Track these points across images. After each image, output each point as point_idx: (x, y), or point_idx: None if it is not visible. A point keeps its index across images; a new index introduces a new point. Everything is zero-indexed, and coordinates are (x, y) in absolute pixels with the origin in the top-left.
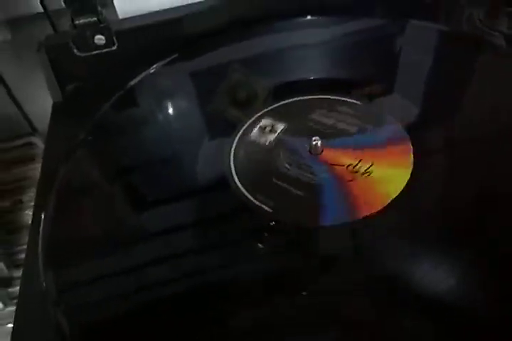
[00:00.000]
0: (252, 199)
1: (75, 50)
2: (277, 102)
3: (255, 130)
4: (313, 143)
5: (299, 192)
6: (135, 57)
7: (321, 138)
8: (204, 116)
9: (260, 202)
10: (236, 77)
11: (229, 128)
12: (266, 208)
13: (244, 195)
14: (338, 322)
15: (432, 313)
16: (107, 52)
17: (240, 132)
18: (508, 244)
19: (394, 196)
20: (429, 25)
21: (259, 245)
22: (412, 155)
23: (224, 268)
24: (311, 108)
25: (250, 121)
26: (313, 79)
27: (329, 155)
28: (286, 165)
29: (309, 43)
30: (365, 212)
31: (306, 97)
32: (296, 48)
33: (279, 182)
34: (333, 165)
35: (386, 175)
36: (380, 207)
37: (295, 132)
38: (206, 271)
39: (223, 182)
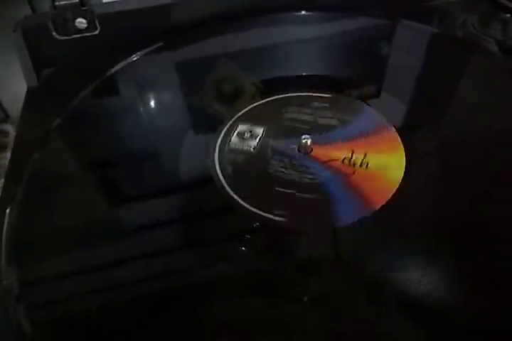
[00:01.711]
0: (257, 211)
1: (54, 33)
2: (248, 106)
3: (233, 137)
4: (303, 141)
5: (306, 195)
6: (117, 44)
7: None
8: (185, 109)
9: (268, 212)
10: (221, 71)
11: (210, 122)
12: (279, 219)
13: (247, 209)
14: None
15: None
16: (87, 36)
17: (219, 141)
18: None
19: (399, 181)
20: (420, 27)
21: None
22: (399, 139)
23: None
24: (284, 107)
25: (226, 127)
26: (280, 78)
27: (320, 152)
28: (282, 170)
29: (290, 40)
30: (380, 202)
31: (274, 97)
32: (274, 45)
33: (280, 189)
34: (328, 161)
35: (383, 163)
36: (391, 195)
37: (277, 134)
38: (176, 270)
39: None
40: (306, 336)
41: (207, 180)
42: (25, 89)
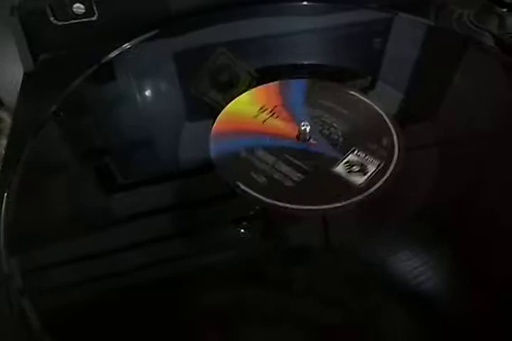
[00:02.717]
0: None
1: (52, 18)
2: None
3: None
4: (302, 128)
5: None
6: (115, 30)
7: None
8: (182, 97)
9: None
10: (218, 60)
11: (208, 111)
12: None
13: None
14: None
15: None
16: (85, 22)
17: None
18: None
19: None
20: (416, 20)
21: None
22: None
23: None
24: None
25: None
26: (283, 65)
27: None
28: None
29: (288, 30)
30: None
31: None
32: (273, 34)
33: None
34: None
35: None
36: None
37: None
38: (178, 257)
39: (205, 171)
40: (294, 323)
41: (204, 166)
42: (21, 75)
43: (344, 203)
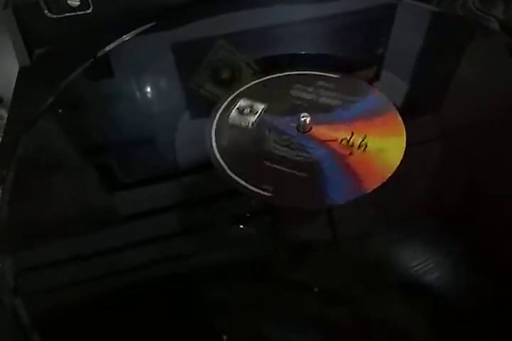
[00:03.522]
0: (245, 184)
1: (46, 11)
2: (252, 81)
3: (233, 112)
4: (302, 119)
5: (297, 173)
6: (110, 22)
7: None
8: (181, 91)
9: (256, 187)
10: (218, 52)
11: (207, 105)
12: (265, 193)
13: (235, 180)
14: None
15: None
16: (80, 15)
17: (218, 115)
18: None
19: (396, 165)
20: (421, 6)
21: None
22: (402, 122)
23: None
24: (289, 85)
25: (226, 102)
26: (288, 55)
27: (319, 131)
28: (276, 146)
29: (290, 19)
30: (373, 185)
31: (281, 74)
32: (275, 24)
33: (272, 165)
34: (326, 141)
35: (382, 146)
36: (386, 178)
37: (277, 111)
38: (175, 256)
39: (206, 167)
40: (296, 317)
41: (204, 158)
42: (17, 69)
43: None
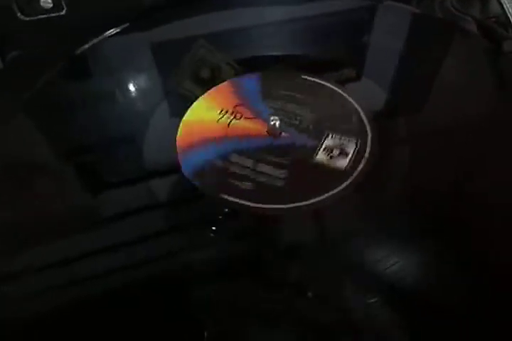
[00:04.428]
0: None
1: (19, 14)
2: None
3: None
4: (271, 123)
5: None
6: (84, 24)
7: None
8: (159, 91)
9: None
10: (197, 52)
11: (181, 104)
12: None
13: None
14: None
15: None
16: (54, 17)
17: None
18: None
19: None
20: (401, 7)
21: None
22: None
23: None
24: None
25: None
26: (267, 56)
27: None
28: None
29: (277, 20)
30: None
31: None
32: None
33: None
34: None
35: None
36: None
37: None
38: (150, 260)
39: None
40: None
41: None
42: None
43: (338, 189)
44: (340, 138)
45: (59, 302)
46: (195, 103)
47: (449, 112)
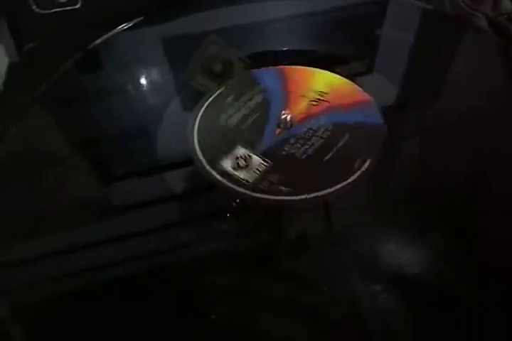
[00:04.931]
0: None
1: (34, 7)
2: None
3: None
4: (282, 117)
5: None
6: (99, 18)
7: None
8: (170, 86)
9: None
10: (209, 48)
11: (194, 98)
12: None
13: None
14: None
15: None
16: (69, 10)
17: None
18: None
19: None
20: (412, 2)
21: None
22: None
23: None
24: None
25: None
26: (280, 51)
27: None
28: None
29: (288, 15)
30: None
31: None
32: (275, 19)
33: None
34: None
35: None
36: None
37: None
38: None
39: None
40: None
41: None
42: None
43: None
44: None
45: (75, 291)
46: None
47: (460, 107)
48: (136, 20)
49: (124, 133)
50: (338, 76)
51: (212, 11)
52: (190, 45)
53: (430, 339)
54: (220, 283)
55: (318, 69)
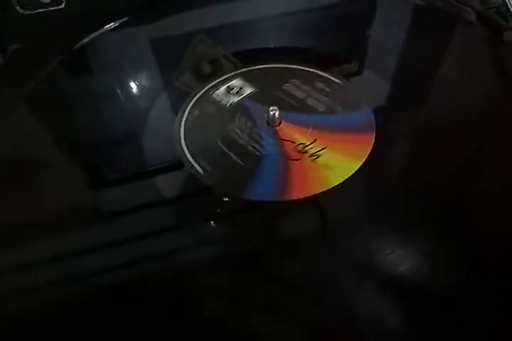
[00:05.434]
0: (190, 159)
1: (18, 7)
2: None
3: (222, 89)
4: (271, 113)
5: (239, 161)
6: (83, 18)
7: (285, 110)
8: (154, 86)
9: (198, 164)
10: (198, 47)
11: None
12: (200, 171)
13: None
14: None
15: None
16: (53, 10)
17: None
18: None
19: (332, 185)
20: None
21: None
22: (371, 148)
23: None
24: (286, 77)
25: (221, 78)
26: (293, 47)
27: (285, 129)
28: (238, 131)
29: (270, 12)
30: (296, 195)
31: (283, 65)
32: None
33: (223, 147)
34: (285, 140)
35: (333, 162)
36: (312, 194)
37: (260, 99)
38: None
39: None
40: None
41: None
42: None
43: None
44: None
45: (65, 298)
46: None
47: (451, 102)
48: (121, 21)
49: (111, 135)
50: None
51: (200, 10)
52: (177, 44)
53: (427, 339)
54: (213, 287)
55: None
